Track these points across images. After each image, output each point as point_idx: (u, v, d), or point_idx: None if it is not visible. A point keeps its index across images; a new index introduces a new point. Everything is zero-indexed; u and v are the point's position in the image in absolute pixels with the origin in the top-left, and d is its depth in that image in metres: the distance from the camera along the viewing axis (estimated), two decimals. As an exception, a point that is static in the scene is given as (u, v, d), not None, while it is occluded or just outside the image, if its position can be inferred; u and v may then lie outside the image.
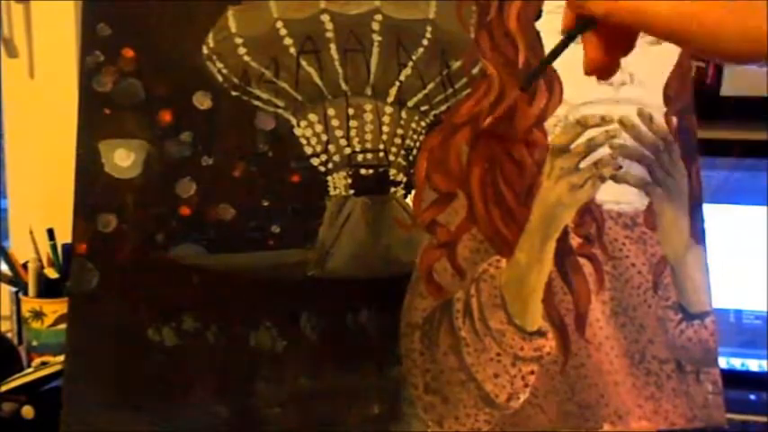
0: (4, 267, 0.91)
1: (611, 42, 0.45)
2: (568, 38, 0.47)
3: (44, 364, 0.76)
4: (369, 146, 0.63)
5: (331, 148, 0.62)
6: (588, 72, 0.46)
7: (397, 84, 0.63)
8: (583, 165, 0.63)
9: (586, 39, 0.45)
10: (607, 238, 0.64)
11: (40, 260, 0.89)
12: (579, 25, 0.45)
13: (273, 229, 0.61)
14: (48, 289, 0.87)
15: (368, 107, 0.63)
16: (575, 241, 0.63)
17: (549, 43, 0.64)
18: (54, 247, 0.89)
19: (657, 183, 0.66)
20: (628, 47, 0.46)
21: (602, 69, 0.46)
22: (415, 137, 0.63)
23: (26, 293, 0.87)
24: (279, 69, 0.62)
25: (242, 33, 0.62)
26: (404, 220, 0.62)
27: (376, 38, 0.63)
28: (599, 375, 0.63)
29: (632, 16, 0.42)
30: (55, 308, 0.85)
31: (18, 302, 0.89)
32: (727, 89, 1.06)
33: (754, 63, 0.40)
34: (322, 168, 0.62)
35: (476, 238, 0.62)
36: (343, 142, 0.63)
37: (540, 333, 0.62)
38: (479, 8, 0.64)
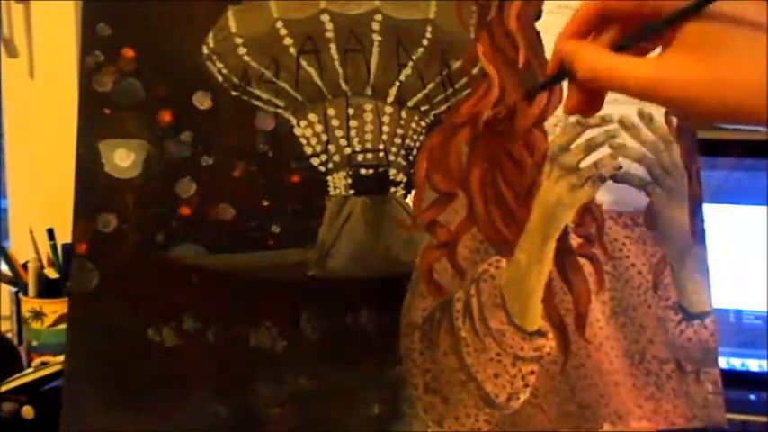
0: (4, 267, 0.91)
1: (591, 91, 0.45)
2: (548, 82, 0.49)
3: (44, 364, 0.76)
4: (369, 146, 0.63)
5: (331, 148, 0.62)
6: (567, 113, 0.47)
7: (397, 84, 0.63)
8: (583, 165, 0.63)
9: (568, 85, 0.46)
10: (607, 238, 0.64)
11: (40, 260, 0.89)
12: (558, 75, 0.46)
13: (273, 228, 0.61)
14: (48, 289, 0.87)
15: (368, 107, 0.63)
16: (575, 241, 0.63)
17: (549, 43, 0.64)
18: (54, 247, 0.89)
19: (657, 183, 0.66)
20: (605, 95, 0.47)
21: (582, 113, 0.47)
22: (415, 137, 0.63)
23: (26, 293, 0.87)
24: (279, 69, 0.62)
25: (242, 33, 0.62)
26: (404, 220, 0.62)
27: (376, 38, 0.63)
28: (599, 375, 0.63)
29: (612, 83, 0.43)
30: (55, 308, 0.85)
31: (18, 302, 0.89)
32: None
33: (734, 125, 0.41)
34: (322, 168, 0.62)
35: (476, 238, 0.62)
36: (343, 142, 0.63)
37: (540, 333, 0.62)
38: (479, 8, 0.64)
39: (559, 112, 0.64)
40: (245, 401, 0.60)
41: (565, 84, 0.46)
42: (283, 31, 0.62)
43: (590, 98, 0.46)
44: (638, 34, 0.43)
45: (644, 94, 0.42)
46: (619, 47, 0.44)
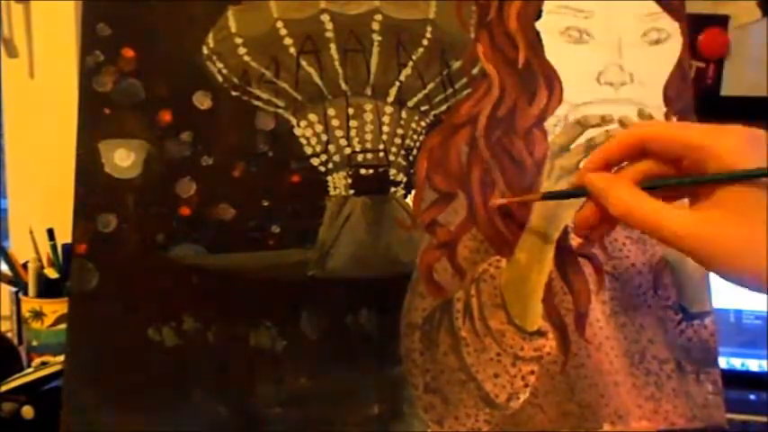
0: (4, 267, 0.91)
1: (606, 214, 0.45)
2: (562, 195, 0.48)
3: (44, 364, 0.77)
4: (369, 146, 0.63)
5: (331, 148, 0.62)
6: (576, 233, 0.47)
7: (397, 84, 0.63)
8: (583, 165, 0.63)
9: (587, 202, 0.46)
10: (607, 238, 0.64)
11: (40, 260, 0.89)
12: (580, 191, 0.46)
13: (273, 228, 0.61)
14: (48, 289, 0.87)
15: (368, 107, 0.63)
16: (575, 241, 0.63)
17: (548, 43, 0.64)
18: (54, 247, 0.89)
19: (657, 183, 0.66)
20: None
21: (592, 233, 0.47)
22: (415, 137, 0.63)
23: (26, 293, 0.88)
24: (279, 69, 0.62)
25: (242, 33, 0.62)
26: (404, 220, 0.62)
27: (376, 38, 0.63)
28: (599, 375, 0.63)
29: (645, 228, 0.43)
30: (55, 308, 0.86)
31: (18, 302, 0.89)
32: (727, 89, 1.07)
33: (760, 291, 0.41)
34: (322, 168, 0.62)
35: (476, 238, 0.62)
36: (343, 142, 0.63)
37: (540, 333, 0.62)
38: (479, 8, 0.64)
39: (559, 111, 0.64)
40: (245, 401, 0.60)
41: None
42: (283, 31, 0.62)
43: (603, 222, 0.46)
44: (678, 182, 0.43)
45: (675, 245, 0.41)
46: (646, 186, 0.44)
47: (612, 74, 0.65)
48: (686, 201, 0.45)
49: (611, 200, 0.44)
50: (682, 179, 0.43)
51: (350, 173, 0.62)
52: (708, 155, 0.41)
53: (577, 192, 0.47)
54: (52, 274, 0.88)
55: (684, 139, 0.42)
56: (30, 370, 0.75)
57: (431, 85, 0.64)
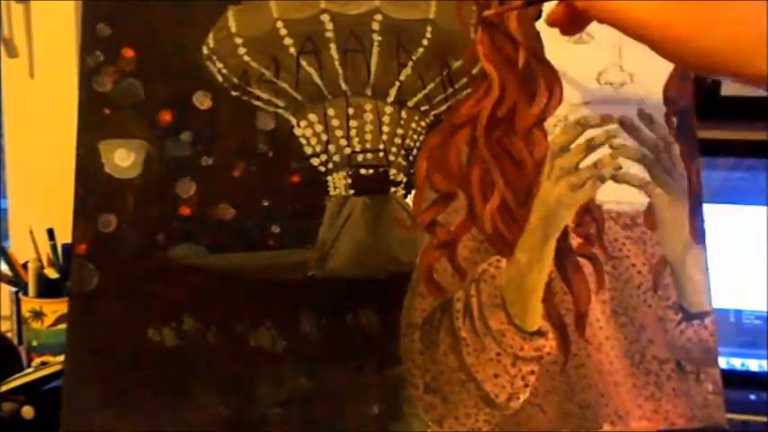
0: (4, 267, 0.91)
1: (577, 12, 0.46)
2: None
3: (44, 364, 0.76)
4: (369, 146, 0.63)
5: (331, 148, 0.62)
6: (548, 23, 0.47)
7: (397, 84, 0.63)
8: (583, 165, 0.63)
9: (558, 3, 0.47)
10: (607, 238, 0.64)
11: (40, 260, 0.89)
12: None
13: (273, 229, 0.61)
14: (48, 289, 0.87)
15: (368, 107, 0.63)
16: (575, 241, 0.63)
17: (549, 43, 0.64)
18: (54, 247, 0.89)
19: (657, 183, 0.66)
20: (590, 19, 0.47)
21: (562, 29, 0.47)
22: (415, 137, 0.63)
23: (26, 293, 0.87)
24: (279, 69, 0.62)
25: (242, 33, 0.62)
26: (404, 220, 0.62)
27: (376, 38, 0.63)
28: (599, 375, 0.63)
29: (609, 17, 0.43)
30: (55, 308, 0.85)
31: (18, 302, 0.89)
32: (727, 89, 1.06)
33: (721, 77, 0.42)
34: (322, 168, 0.62)
35: (476, 238, 0.62)
36: (343, 142, 0.63)
37: (540, 333, 0.62)
38: (479, 8, 0.64)
39: (559, 111, 0.64)
40: (246, 401, 0.60)
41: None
42: (283, 32, 0.62)
43: (575, 19, 0.46)
44: None
45: (632, 33, 0.42)
46: None
47: (612, 74, 0.65)
48: None
49: None
50: None
51: (350, 173, 0.62)
52: None
53: None
54: (52, 274, 0.88)
55: None
56: (30, 370, 0.75)
57: (431, 85, 0.64)
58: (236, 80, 0.61)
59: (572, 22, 0.47)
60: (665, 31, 0.41)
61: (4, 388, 0.71)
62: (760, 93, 0.92)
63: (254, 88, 0.62)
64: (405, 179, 0.63)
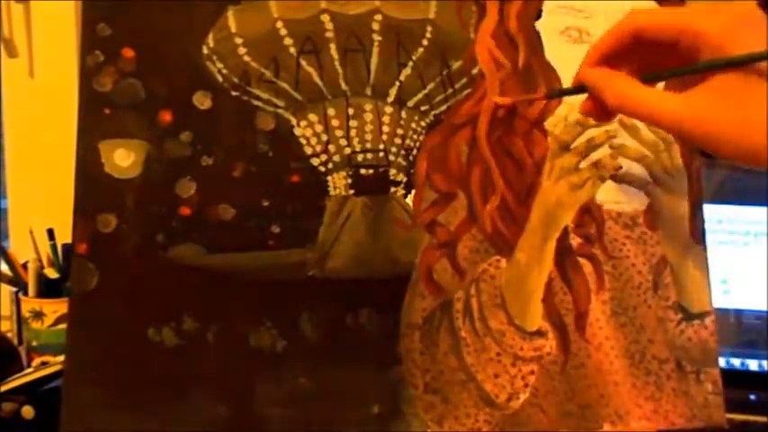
0: (4, 267, 0.91)
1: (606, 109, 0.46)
2: (565, 93, 0.50)
3: (44, 364, 0.77)
4: (369, 146, 0.63)
5: (331, 148, 0.62)
6: (582, 113, 0.48)
7: (397, 84, 0.63)
8: (583, 165, 0.63)
9: (587, 100, 0.47)
10: (607, 238, 0.64)
11: (39, 260, 0.89)
12: (580, 88, 0.47)
13: (273, 228, 0.61)
14: (48, 289, 0.87)
15: (368, 107, 0.63)
16: (575, 241, 0.63)
17: (548, 43, 0.64)
18: (54, 247, 0.89)
19: (657, 183, 0.66)
20: None
21: (596, 117, 0.48)
22: (415, 137, 0.63)
23: (26, 293, 0.87)
24: (279, 69, 0.62)
25: (242, 33, 0.62)
26: (404, 220, 0.62)
27: (376, 38, 0.63)
28: (599, 375, 0.63)
29: (640, 116, 0.44)
30: (55, 308, 0.85)
31: (18, 302, 0.89)
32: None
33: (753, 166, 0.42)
34: (322, 168, 0.62)
35: (476, 238, 0.62)
36: (343, 142, 0.63)
37: (540, 333, 0.62)
38: (479, 8, 0.64)
39: (559, 111, 0.64)
40: (245, 401, 0.60)
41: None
42: (283, 31, 0.62)
43: (607, 111, 0.46)
44: (676, 72, 0.44)
45: (672, 129, 0.43)
46: (646, 78, 0.44)
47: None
48: None
49: (608, 93, 0.45)
50: (676, 70, 0.44)
51: (350, 173, 0.62)
52: (699, 38, 0.42)
53: (578, 89, 0.47)
54: (52, 274, 0.88)
55: (676, 24, 0.43)
56: (30, 370, 0.75)
57: (431, 85, 0.64)
58: (236, 80, 0.61)
59: (605, 114, 0.47)
60: (704, 128, 0.41)
61: (4, 388, 0.71)
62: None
63: (254, 88, 0.62)
64: (405, 179, 0.63)
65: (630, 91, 0.44)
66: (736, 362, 0.90)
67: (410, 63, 0.63)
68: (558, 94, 0.56)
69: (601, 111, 0.47)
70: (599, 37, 0.46)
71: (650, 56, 0.45)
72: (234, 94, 0.61)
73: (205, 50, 0.61)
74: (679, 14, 0.44)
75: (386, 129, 0.63)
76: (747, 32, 0.41)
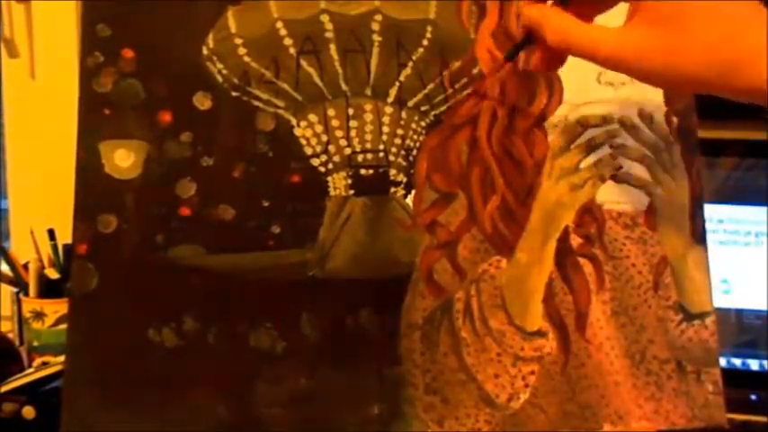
0: (5, 268, 0.91)
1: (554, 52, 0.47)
2: (519, 47, 0.49)
3: (45, 364, 0.77)
4: (369, 146, 0.63)
5: (331, 148, 0.62)
6: (535, 70, 0.49)
7: (397, 84, 0.63)
8: (583, 165, 0.63)
9: (535, 49, 0.48)
10: (607, 238, 0.64)
11: (40, 260, 0.89)
12: (528, 39, 0.48)
13: (273, 229, 0.61)
14: (48, 289, 0.88)
15: (368, 107, 0.63)
16: (575, 241, 0.63)
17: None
18: (55, 248, 0.89)
19: (658, 183, 0.65)
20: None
21: (548, 69, 0.48)
22: (415, 137, 0.63)
23: (27, 294, 0.88)
24: (279, 70, 0.62)
25: (242, 34, 0.62)
26: (404, 221, 0.62)
27: (376, 38, 0.63)
28: (599, 376, 0.63)
29: (583, 53, 0.44)
30: (55, 308, 0.86)
31: (19, 303, 0.89)
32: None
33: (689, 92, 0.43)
34: (322, 169, 0.62)
35: (476, 239, 0.62)
36: (343, 142, 0.63)
37: (541, 333, 0.62)
38: (479, 8, 0.64)
39: (560, 111, 0.64)
40: (246, 402, 0.60)
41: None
42: (283, 32, 0.62)
43: (556, 55, 0.47)
44: None
45: (610, 65, 0.43)
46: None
47: (613, 73, 0.65)
48: None
49: (547, 29, 0.45)
50: None
51: (350, 173, 0.62)
52: None
53: (525, 40, 0.48)
54: (53, 274, 0.88)
55: None
56: (30, 370, 0.75)
57: (431, 86, 0.64)
58: (236, 80, 0.61)
59: (551, 63, 0.47)
60: (641, 63, 0.42)
61: (5, 388, 0.71)
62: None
63: (254, 89, 0.62)
64: (405, 179, 0.63)
65: (570, 26, 0.44)
66: (737, 362, 0.90)
67: (410, 63, 0.63)
68: (513, 50, 0.53)
69: (549, 58, 0.47)
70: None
71: None
72: (234, 94, 0.61)
73: (205, 51, 0.61)
74: None
75: (386, 129, 0.63)
76: None
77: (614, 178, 0.64)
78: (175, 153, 0.61)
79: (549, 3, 0.47)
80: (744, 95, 0.41)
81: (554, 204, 0.63)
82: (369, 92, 0.63)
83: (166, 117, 0.61)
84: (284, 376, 0.60)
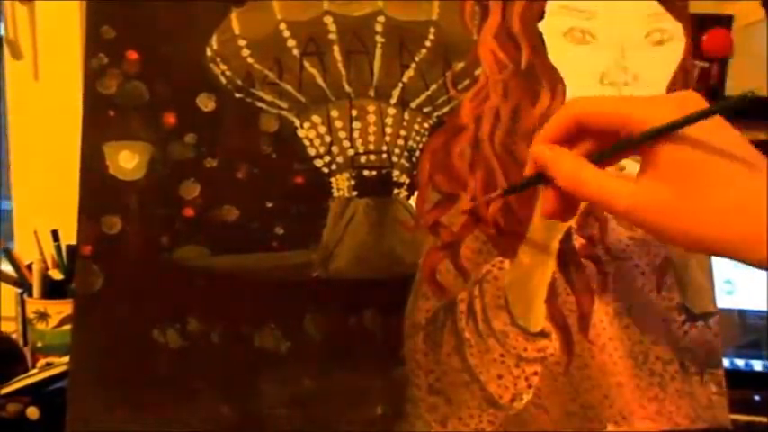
0: (9, 269, 0.91)
1: (567, 197, 0.45)
2: (526, 185, 0.48)
3: (49, 364, 0.77)
4: (372, 147, 0.63)
5: (334, 149, 0.63)
6: (545, 216, 0.47)
7: (400, 85, 0.63)
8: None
9: (544, 189, 0.46)
10: (610, 240, 0.64)
11: (44, 261, 0.89)
12: (537, 178, 0.46)
13: (277, 230, 0.61)
14: (52, 290, 0.88)
15: (371, 109, 0.63)
16: (578, 242, 0.63)
17: (551, 44, 0.64)
18: (59, 249, 0.89)
19: (661, 183, 0.65)
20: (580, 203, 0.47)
21: (559, 216, 0.47)
22: (417, 138, 0.63)
23: (31, 295, 0.88)
24: (282, 71, 0.62)
25: (245, 35, 0.62)
26: (407, 222, 0.63)
27: (379, 39, 0.63)
28: (602, 376, 0.63)
29: (591, 200, 0.43)
30: (59, 309, 0.86)
31: (23, 303, 0.89)
32: (730, 89, 1.06)
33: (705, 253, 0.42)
34: (325, 170, 0.62)
35: (479, 240, 0.62)
36: (346, 144, 0.63)
37: (544, 334, 0.62)
38: (482, 9, 0.64)
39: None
40: (250, 402, 0.60)
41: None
42: (286, 33, 0.62)
43: (567, 204, 0.45)
44: (613, 150, 0.43)
45: (629, 220, 0.42)
46: (593, 160, 0.43)
47: (615, 74, 0.65)
48: None
49: (556, 171, 0.44)
50: (616, 144, 0.43)
51: (353, 174, 0.63)
52: (641, 125, 0.41)
53: (534, 179, 0.46)
54: (57, 275, 0.88)
55: (617, 114, 0.42)
56: (34, 371, 0.76)
57: (433, 87, 0.64)
58: (239, 82, 0.62)
59: (566, 209, 0.46)
60: (654, 220, 0.40)
61: (9, 389, 0.71)
62: (763, 92, 0.92)
63: (258, 90, 0.62)
64: (408, 180, 0.63)
65: (580, 172, 0.43)
66: (740, 362, 0.90)
67: (413, 64, 0.63)
68: (517, 188, 0.53)
69: (559, 207, 0.46)
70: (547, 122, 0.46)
71: (603, 138, 0.43)
72: (237, 95, 0.62)
73: (209, 52, 0.62)
74: (619, 103, 0.43)
75: (389, 130, 0.63)
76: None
77: (617, 179, 0.64)
78: (179, 154, 0.61)
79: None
80: (763, 267, 0.40)
81: (557, 205, 0.62)
82: (372, 93, 0.63)
83: (170, 119, 0.61)
84: (288, 377, 0.60)
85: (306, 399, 0.60)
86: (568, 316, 0.63)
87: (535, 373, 0.62)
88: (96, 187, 0.60)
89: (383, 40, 0.63)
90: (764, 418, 0.81)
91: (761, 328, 0.89)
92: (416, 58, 0.63)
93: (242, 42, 0.62)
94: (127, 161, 0.60)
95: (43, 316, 0.86)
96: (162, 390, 0.59)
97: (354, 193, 0.62)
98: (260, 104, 0.62)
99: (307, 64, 0.62)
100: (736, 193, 0.39)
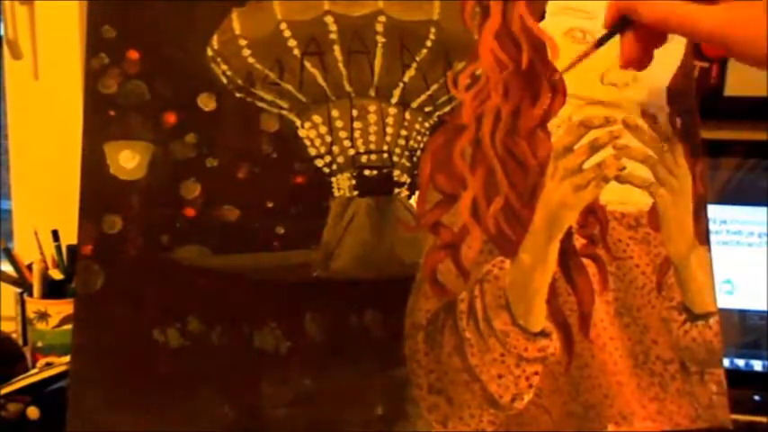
0: (9, 268, 0.91)
1: (647, 39, 0.47)
2: (611, 33, 0.50)
3: (49, 364, 0.77)
4: (373, 147, 0.63)
5: (335, 149, 0.63)
6: (624, 66, 0.49)
7: (401, 85, 0.63)
8: (586, 165, 0.63)
9: (624, 36, 0.48)
10: (611, 239, 0.64)
11: (44, 261, 0.89)
12: (618, 24, 0.48)
13: (278, 230, 0.61)
14: (52, 290, 0.88)
15: (372, 108, 0.63)
16: (578, 242, 0.63)
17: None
18: (59, 249, 0.89)
19: (661, 183, 0.66)
20: (662, 41, 0.49)
21: (638, 63, 0.49)
22: (418, 138, 0.63)
23: (31, 294, 0.88)
24: (283, 71, 0.62)
25: (246, 35, 0.62)
26: (408, 221, 0.63)
27: (380, 39, 0.63)
28: (603, 376, 0.63)
29: (683, 28, 0.45)
30: (59, 309, 0.86)
31: (23, 303, 0.89)
32: (730, 89, 1.06)
33: None
34: (326, 170, 0.62)
35: (479, 239, 0.62)
36: (347, 143, 0.63)
37: (544, 334, 0.62)
38: (483, 9, 0.64)
39: (563, 112, 0.64)
40: (250, 402, 0.60)
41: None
42: (287, 33, 0.62)
43: (645, 51, 0.48)
44: None
45: (713, 39, 0.44)
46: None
47: (616, 74, 0.65)
48: None
49: (644, 9, 0.46)
50: None
51: (354, 174, 0.63)
52: None
53: (619, 24, 0.48)
54: (57, 275, 0.88)
55: None
56: (35, 371, 0.76)
57: (434, 87, 0.64)
58: (240, 82, 0.62)
59: (643, 56, 0.48)
60: (742, 32, 0.42)
61: (10, 389, 0.71)
62: (763, 93, 0.92)
63: (259, 90, 0.62)
64: (409, 180, 0.63)
65: (667, 3, 0.45)
66: (741, 362, 0.90)
67: (414, 64, 0.63)
68: (605, 37, 0.55)
69: (641, 52, 0.47)
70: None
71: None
72: (238, 95, 0.62)
73: (209, 52, 0.62)
74: None
75: (390, 130, 0.63)
76: None
77: (618, 179, 0.64)
78: (180, 154, 0.61)
79: None
80: None
81: (557, 205, 0.63)
82: (373, 93, 0.63)
83: (171, 118, 0.61)
84: (288, 377, 0.60)
85: (306, 398, 0.60)
86: (569, 316, 0.63)
87: (536, 373, 0.62)
88: (97, 187, 0.60)
89: (384, 39, 0.63)
90: (765, 418, 0.81)
91: (761, 328, 0.90)
92: (417, 58, 0.63)
93: (243, 42, 0.62)
94: (127, 161, 0.60)
95: (43, 316, 0.86)
96: (162, 390, 0.59)
97: (355, 193, 0.62)
98: (261, 104, 0.62)
99: (307, 64, 0.62)
100: None
